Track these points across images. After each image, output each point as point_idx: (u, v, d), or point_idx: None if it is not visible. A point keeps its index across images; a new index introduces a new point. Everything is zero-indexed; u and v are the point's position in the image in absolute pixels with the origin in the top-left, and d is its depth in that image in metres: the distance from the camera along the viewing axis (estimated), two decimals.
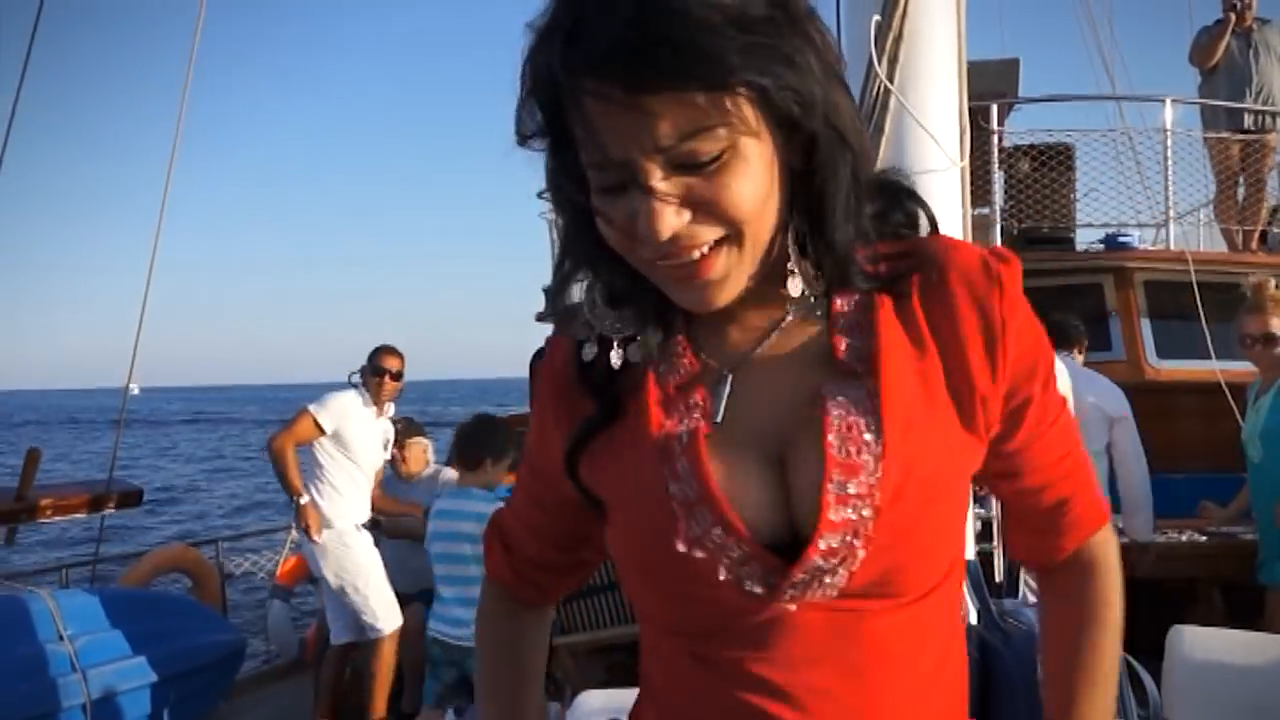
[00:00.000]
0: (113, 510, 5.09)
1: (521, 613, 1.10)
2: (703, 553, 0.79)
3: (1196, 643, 3.38)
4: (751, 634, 0.80)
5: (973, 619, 2.14)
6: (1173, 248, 5.96)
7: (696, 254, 0.77)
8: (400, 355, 4.63)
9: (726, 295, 0.80)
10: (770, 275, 0.82)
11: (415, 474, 5.08)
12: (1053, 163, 6.03)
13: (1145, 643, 3.41)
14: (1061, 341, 4.21)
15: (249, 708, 5.11)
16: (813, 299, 0.85)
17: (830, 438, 0.79)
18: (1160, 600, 4.29)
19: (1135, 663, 1.96)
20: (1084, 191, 6.20)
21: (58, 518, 4.90)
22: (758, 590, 0.79)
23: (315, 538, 4.46)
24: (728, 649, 0.81)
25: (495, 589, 1.11)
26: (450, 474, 5.24)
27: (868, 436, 0.79)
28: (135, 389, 5.05)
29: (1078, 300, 5.51)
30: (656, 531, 0.81)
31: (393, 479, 5.07)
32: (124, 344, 4.95)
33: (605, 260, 0.82)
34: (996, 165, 5.87)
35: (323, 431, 4.41)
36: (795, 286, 0.82)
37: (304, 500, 4.40)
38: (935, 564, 0.82)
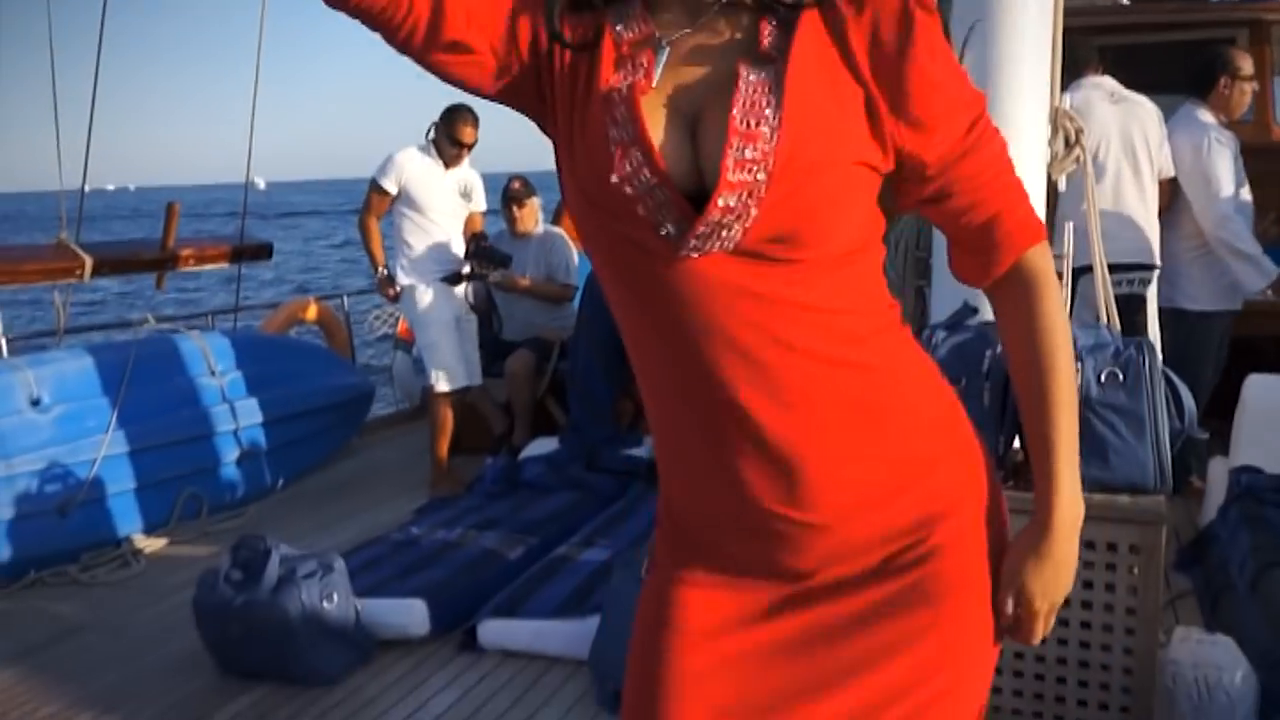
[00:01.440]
0: (247, 261, 5.54)
1: None
2: (631, 190, 0.94)
3: (1271, 390, 3.44)
4: (673, 280, 0.97)
5: None
6: None
7: None
8: (476, 123, 4.67)
9: None
10: None
11: (528, 232, 5.29)
12: None
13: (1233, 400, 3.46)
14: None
15: (377, 445, 5.64)
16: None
17: (735, 111, 0.93)
18: (1254, 358, 4.29)
19: (1174, 377, 2.06)
20: None
21: (198, 267, 5.34)
22: (670, 231, 0.95)
23: (391, 299, 4.89)
24: (655, 293, 0.99)
25: None
26: (558, 231, 5.45)
27: (768, 111, 0.92)
28: (261, 183, 5.32)
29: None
30: (598, 167, 0.96)
31: (506, 235, 5.29)
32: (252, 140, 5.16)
33: None
34: None
35: (388, 194, 4.59)
36: None
37: (381, 272, 4.71)
38: (830, 230, 0.96)
